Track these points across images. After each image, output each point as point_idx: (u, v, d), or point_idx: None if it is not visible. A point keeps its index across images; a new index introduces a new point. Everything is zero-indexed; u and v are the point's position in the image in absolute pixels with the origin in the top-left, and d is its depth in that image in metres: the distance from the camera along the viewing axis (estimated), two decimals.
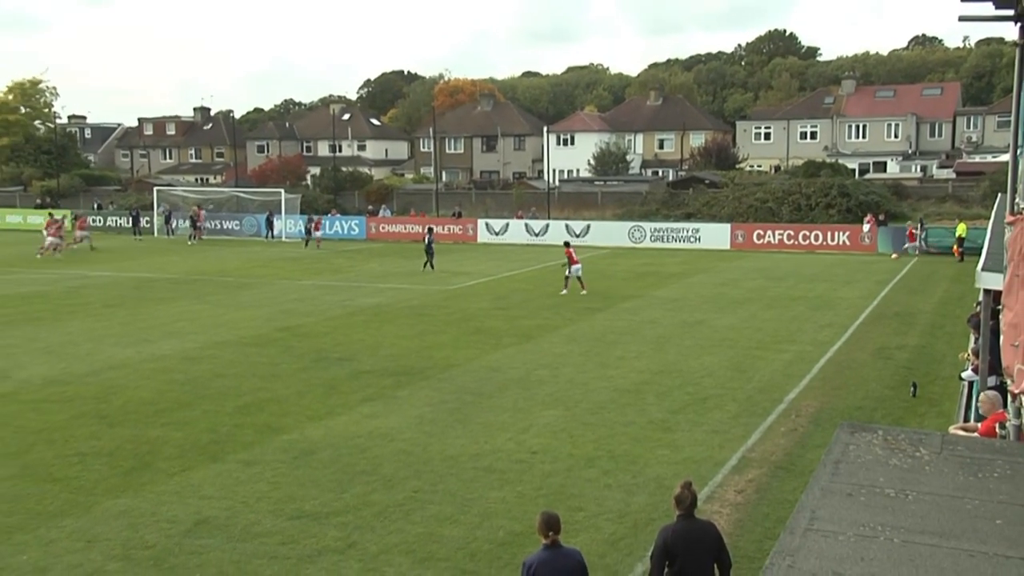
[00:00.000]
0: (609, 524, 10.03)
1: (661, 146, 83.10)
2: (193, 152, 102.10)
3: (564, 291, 27.86)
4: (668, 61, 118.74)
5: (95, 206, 61.59)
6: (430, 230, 37.05)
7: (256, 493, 10.92)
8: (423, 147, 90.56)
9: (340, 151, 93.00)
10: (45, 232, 41.67)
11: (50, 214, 51.36)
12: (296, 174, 75.88)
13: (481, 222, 49.57)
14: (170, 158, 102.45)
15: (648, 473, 11.68)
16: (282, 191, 53.79)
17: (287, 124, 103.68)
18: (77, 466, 11.89)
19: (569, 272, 27.96)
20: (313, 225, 46.87)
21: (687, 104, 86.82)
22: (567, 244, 28.89)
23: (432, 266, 34.70)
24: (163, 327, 22.57)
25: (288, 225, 51.18)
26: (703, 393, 15.93)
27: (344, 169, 70.86)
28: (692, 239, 44.86)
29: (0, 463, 11.99)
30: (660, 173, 74.02)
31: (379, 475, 11.59)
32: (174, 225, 53.24)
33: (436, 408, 14.88)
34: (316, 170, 77.04)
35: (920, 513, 4.69)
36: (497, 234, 48.23)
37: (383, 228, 50.77)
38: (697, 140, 78.45)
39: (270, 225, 51.39)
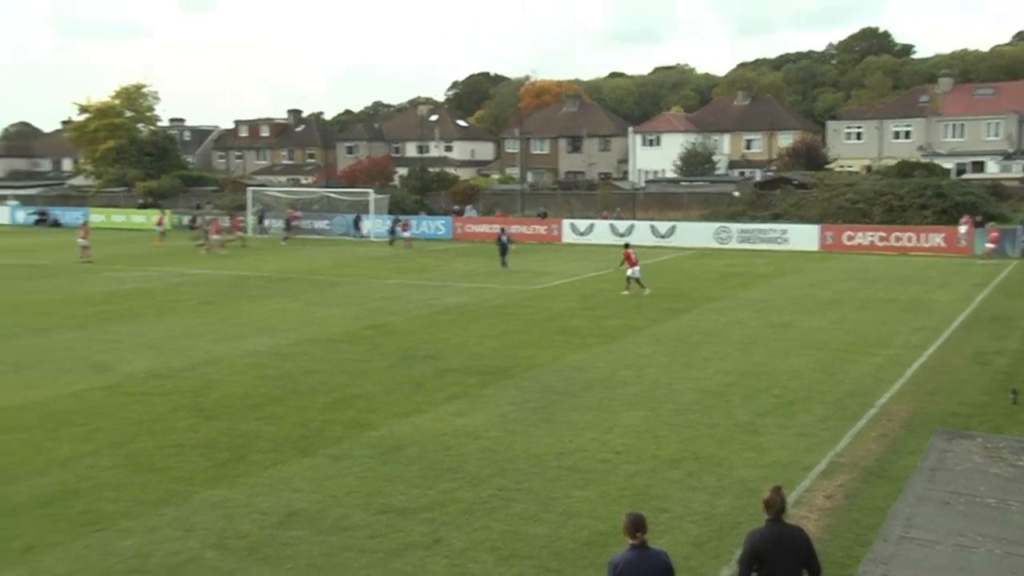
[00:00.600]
0: (694, 526, 9.90)
1: (748, 146, 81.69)
2: (286, 153, 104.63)
3: (626, 292, 27.88)
4: (757, 61, 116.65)
5: (194, 206, 63.53)
6: (502, 231, 37.48)
7: (345, 487, 11.11)
8: (509, 148, 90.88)
9: (427, 152, 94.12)
10: (207, 229, 43.94)
11: (162, 212, 53.29)
12: (384, 175, 76.96)
13: (566, 222, 49.49)
14: (264, 159, 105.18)
15: (734, 476, 11.49)
16: (371, 191, 54.66)
17: (376, 126, 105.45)
18: (176, 457, 12.28)
19: (630, 273, 28.03)
20: (401, 225, 47.50)
21: (776, 104, 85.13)
22: (626, 246, 29.05)
23: (504, 264, 35.19)
24: (257, 324, 23.15)
25: (377, 225, 51.96)
26: (790, 396, 15.59)
27: (431, 170, 71.54)
28: (780, 240, 44.07)
29: (106, 452, 12.47)
30: (747, 173, 72.77)
31: (464, 472, 11.67)
32: (267, 225, 54.62)
33: (520, 407, 14.91)
34: (404, 171, 78.02)
35: None
36: (582, 234, 48.09)
37: (469, 228, 51.12)
38: (785, 140, 76.86)
39: (357, 225, 52.28)
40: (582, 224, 49.02)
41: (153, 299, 27.75)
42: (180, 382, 16.64)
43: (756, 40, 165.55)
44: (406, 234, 46.76)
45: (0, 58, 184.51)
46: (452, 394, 15.73)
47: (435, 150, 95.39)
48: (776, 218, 48.23)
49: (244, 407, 14.89)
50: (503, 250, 35.70)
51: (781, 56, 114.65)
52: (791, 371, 17.41)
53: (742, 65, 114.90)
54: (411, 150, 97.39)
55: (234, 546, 9.38)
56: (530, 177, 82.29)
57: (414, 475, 11.55)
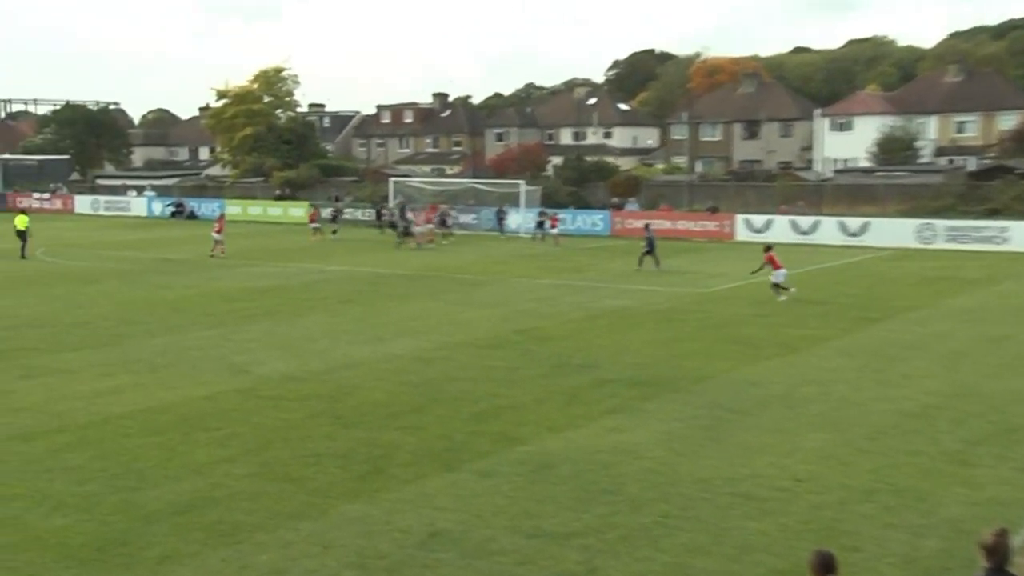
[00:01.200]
0: (892, 570, 9.52)
1: (960, 130, 77.88)
2: (430, 141, 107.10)
3: (782, 297, 27.17)
4: (973, 29, 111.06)
5: (332, 198, 65.83)
6: (646, 227, 37.25)
7: (492, 507, 11.26)
8: (675, 134, 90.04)
9: (584, 139, 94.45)
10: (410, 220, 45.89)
11: (314, 207, 55.45)
12: (536, 164, 77.69)
13: (740, 218, 48.61)
14: (407, 147, 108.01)
15: (941, 513, 10.98)
16: (521, 183, 55.22)
17: (528, 110, 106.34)
18: (313, 467, 12.76)
19: (774, 279, 27.44)
20: (549, 220, 47.78)
21: (996, 79, 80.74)
22: (768, 248, 28.42)
23: (642, 264, 35.03)
24: (397, 325, 23.80)
25: (523, 219, 52.40)
26: (1010, 422, 14.79)
27: (588, 159, 71.75)
28: (997, 240, 42.11)
29: (241, 459, 13.10)
30: (957, 161, 69.40)
31: (624, 495, 11.62)
32: (410, 218, 56.16)
33: (687, 424, 14.74)
34: (558, 160, 78.52)
35: None
36: (758, 231, 47.07)
37: (629, 223, 50.91)
38: (1007, 122, 72.80)
39: (500, 220, 52.68)
40: (758, 220, 48.01)
41: (289, 296, 28.95)
42: (317, 386, 17.29)
43: (971, 5, 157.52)
44: (554, 231, 46.93)
45: (141, 44, 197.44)
46: (610, 407, 15.71)
47: (593, 137, 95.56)
48: (993, 214, 45.86)
49: (384, 415, 15.32)
50: (650, 247, 35.27)
51: (1005, 22, 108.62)
52: (1010, 393, 16.52)
53: (955, 35, 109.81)
54: (566, 137, 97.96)
55: (374, 566, 9.65)
56: (699, 167, 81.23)
57: (567, 496, 11.59)
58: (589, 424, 14.78)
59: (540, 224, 48.12)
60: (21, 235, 41.30)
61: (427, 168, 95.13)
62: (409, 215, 47.99)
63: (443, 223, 49.73)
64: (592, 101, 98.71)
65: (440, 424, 14.81)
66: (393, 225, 48.25)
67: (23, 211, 44.81)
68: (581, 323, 24.07)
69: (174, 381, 17.66)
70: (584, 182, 64.01)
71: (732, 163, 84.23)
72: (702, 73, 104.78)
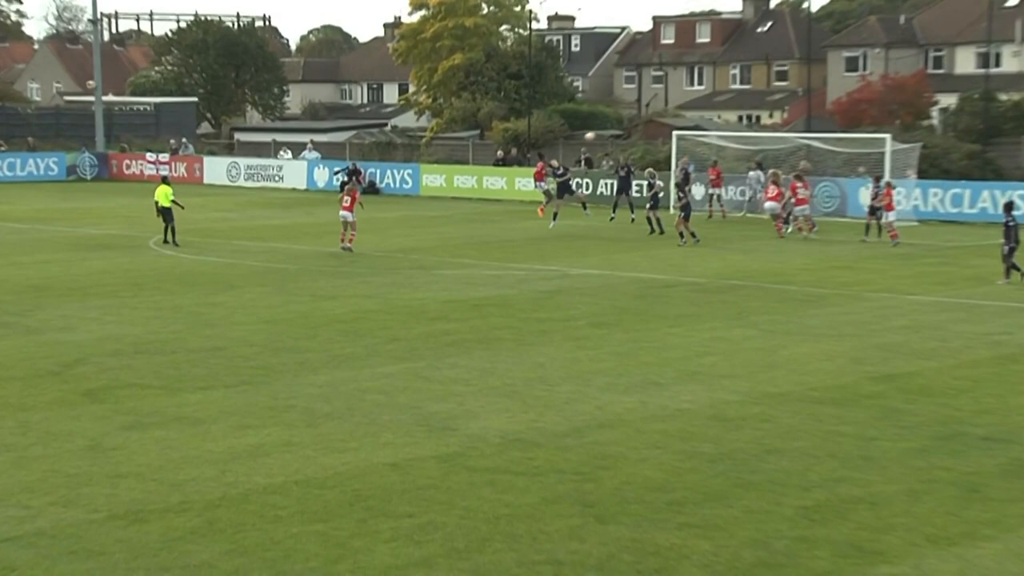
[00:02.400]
0: None
1: None
2: (737, 72, 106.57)
3: None
4: None
5: (581, 161, 66.68)
6: (1008, 206, 35.78)
7: None
8: None
9: (996, 65, 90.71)
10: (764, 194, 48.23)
11: (545, 162, 56.42)
12: (914, 106, 75.79)
13: None
14: (700, 83, 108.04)
15: None
16: (887, 138, 54.01)
17: (901, 19, 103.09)
18: None
19: None
20: (882, 197, 45.84)
21: None
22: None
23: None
24: (680, 363, 23.80)
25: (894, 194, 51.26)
26: None
27: (1003, 97, 69.18)
28: None
29: (443, 564, 13.37)
30: None
31: None
32: (697, 195, 56.10)
33: None
34: (949, 99, 76.04)
35: None
36: None
37: None
38: None
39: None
40: None
41: (516, 315, 29.53)
42: (555, 455, 17.43)
43: None
44: (891, 216, 45.37)
45: None
46: None
47: (1012, 61, 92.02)
48: None
49: (660, 505, 15.26)
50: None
51: None
52: None
53: None
54: (965, 61, 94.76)
55: None
56: None
57: None
58: (1001, 536, 14.26)
59: (873, 210, 46.41)
60: (165, 214, 44.06)
61: (732, 115, 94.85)
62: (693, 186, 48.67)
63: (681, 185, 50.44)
64: (1014, 1, 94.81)
65: (751, 522, 14.61)
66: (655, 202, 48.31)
67: (164, 180, 47.20)
68: (986, 367, 23.53)
69: (344, 440, 18.28)
70: (995, 136, 61.93)
71: None
72: None
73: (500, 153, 72.03)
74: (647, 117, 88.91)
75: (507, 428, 18.99)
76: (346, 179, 69.26)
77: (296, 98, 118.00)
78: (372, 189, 68.47)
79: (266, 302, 31.45)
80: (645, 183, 50.46)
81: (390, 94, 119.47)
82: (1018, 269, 34.47)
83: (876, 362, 23.99)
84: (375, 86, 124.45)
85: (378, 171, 70.56)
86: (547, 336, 26.79)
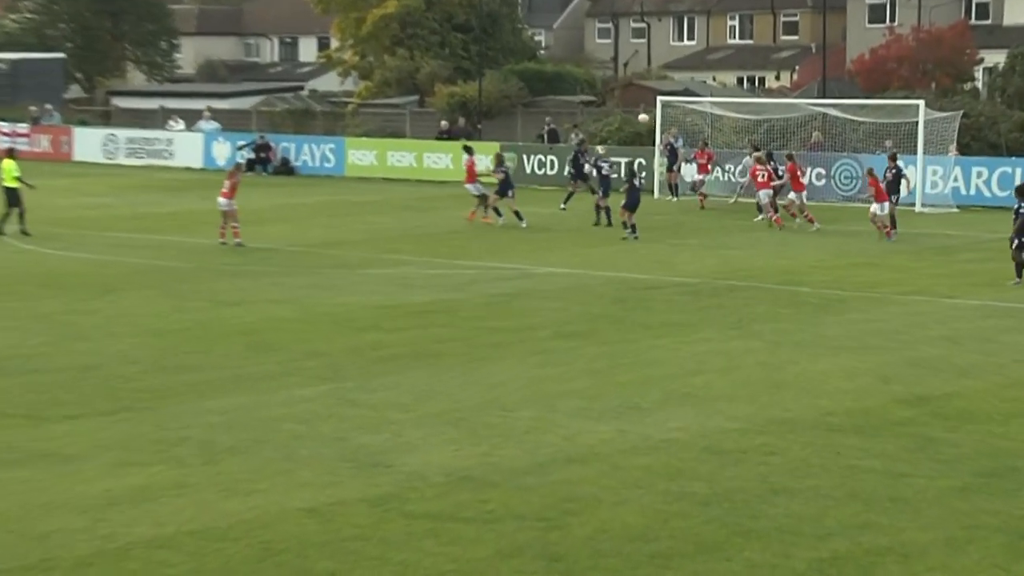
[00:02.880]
0: None
1: None
2: (736, 24, 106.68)
3: None
4: None
5: (544, 135, 66.62)
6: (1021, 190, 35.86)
7: None
8: None
9: None
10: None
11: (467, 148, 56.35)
12: (956, 67, 76.04)
13: None
14: (690, 37, 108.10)
15: None
16: (920, 105, 54.08)
17: None
18: None
19: None
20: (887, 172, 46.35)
21: None
22: None
23: None
24: (667, 382, 23.81)
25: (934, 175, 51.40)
26: None
27: None
28: None
29: None
30: None
31: None
32: (686, 174, 56.30)
33: None
34: (997, 57, 76.29)
35: None
36: None
37: None
38: None
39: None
40: None
41: (465, 323, 29.53)
42: (514, 497, 17.35)
43: None
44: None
45: None
46: None
47: None
48: None
49: (641, 558, 15.22)
50: None
51: None
52: None
53: None
54: (1016, 10, 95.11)
55: None
56: None
57: None
58: None
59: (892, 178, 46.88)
60: (10, 195, 43.75)
61: (729, 76, 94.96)
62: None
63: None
64: None
65: (758, 574, 14.66)
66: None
67: (10, 153, 46.70)
68: None
69: (251, 480, 18.14)
70: None
71: None
72: None
73: (444, 124, 71.60)
74: (625, 80, 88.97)
75: (454, 464, 18.89)
76: (252, 156, 69.34)
77: (189, 55, 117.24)
78: (285, 168, 68.35)
79: (152, 309, 31.29)
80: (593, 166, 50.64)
81: (307, 50, 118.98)
82: None
83: (907, 381, 24.00)
84: (288, 40, 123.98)
85: (293, 146, 70.40)
86: (503, 350, 26.76)
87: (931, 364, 25.45)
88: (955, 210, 50.83)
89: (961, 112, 56.36)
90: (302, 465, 18.83)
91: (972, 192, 54.00)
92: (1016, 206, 35.02)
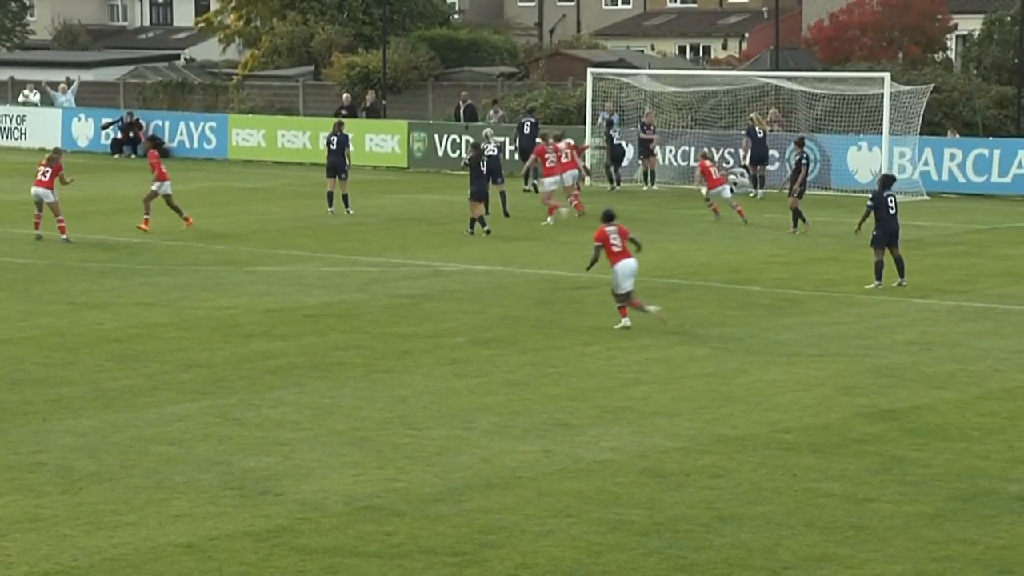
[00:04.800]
0: None
1: None
2: None
3: None
4: None
5: (460, 112, 66.58)
6: None
7: None
8: None
9: None
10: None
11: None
12: (926, 34, 76.48)
13: None
14: (626, 1, 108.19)
15: None
16: (885, 77, 54.37)
17: None
18: None
19: None
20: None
21: None
22: None
23: None
24: (600, 395, 23.93)
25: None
26: None
27: None
28: None
29: None
30: None
31: None
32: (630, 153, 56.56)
33: None
34: (972, 24, 76.92)
35: None
36: None
37: None
38: None
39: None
40: None
41: (367, 328, 29.55)
42: (424, 528, 17.35)
43: None
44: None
45: None
46: None
47: None
48: None
49: None
50: None
51: None
52: None
53: None
54: None
55: None
56: None
57: None
58: None
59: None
60: None
61: (670, 45, 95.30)
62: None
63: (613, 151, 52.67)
64: None
65: None
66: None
67: None
68: (1023, 400, 23.80)
69: (118, 511, 18.00)
70: None
71: None
72: None
73: (346, 98, 71.05)
74: (552, 49, 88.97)
75: (354, 490, 18.89)
76: (119, 135, 68.98)
77: (44, 17, 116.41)
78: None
79: (2, 314, 31.12)
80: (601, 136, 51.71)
81: (183, 14, 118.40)
82: None
83: (872, 392, 24.15)
84: (160, 2, 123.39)
85: (167, 124, 70.11)
86: (411, 359, 26.78)
87: (898, 373, 25.58)
88: (925, 198, 51.13)
89: (931, 86, 56.72)
90: (177, 493, 18.75)
91: (944, 178, 54.36)
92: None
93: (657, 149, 57.47)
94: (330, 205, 48.10)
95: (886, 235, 34.25)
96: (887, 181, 35.74)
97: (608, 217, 29.96)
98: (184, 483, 19.12)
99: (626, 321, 29.29)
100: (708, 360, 26.71)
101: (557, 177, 47.29)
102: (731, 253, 39.82)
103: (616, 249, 29.63)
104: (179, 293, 33.43)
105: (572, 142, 50.33)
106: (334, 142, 48.96)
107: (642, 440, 21.28)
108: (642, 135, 56.84)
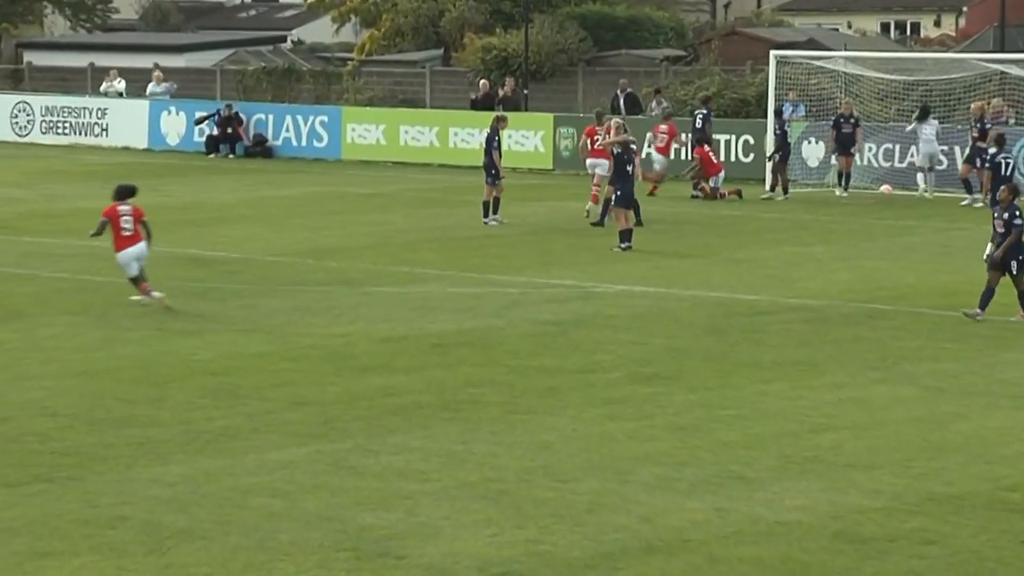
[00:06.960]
0: None
1: None
2: None
3: None
4: None
5: (619, 103, 66.53)
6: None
7: None
8: None
9: None
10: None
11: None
12: None
13: None
14: None
15: None
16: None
17: None
18: None
19: None
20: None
21: None
22: None
23: None
24: (784, 443, 23.86)
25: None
26: None
27: None
28: None
29: None
30: None
31: None
32: (811, 160, 56.45)
33: None
34: None
35: None
36: None
37: None
38: None
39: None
40: None
41: (504, 361, 29.68)
42: None
43: None
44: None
45: None
46: None
47: None
48: None
49: None
50: None
51: None
52: None
53: None
54: None
55: None
56: None
57: None
58: None
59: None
60: None
61: (870, 23, 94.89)
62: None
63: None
64: None
65: None
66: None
67: None
68: None
69: (212, 575, 18.27)
70: None
71: None
72: None
73: (484, 85, 71.26)
74: (727, 27, 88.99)
75: (489, 554, 18.91)
76: (215, 132, 69.51)
77: None
78: (261, 148, 68.48)
79: (79, 341, 31.45)
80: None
81: None
82: None
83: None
84: None
85: (271, 118, 70.53)
86: (557, 398, 26.82)
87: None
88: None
89: None
90: (281, 555, 18.85)
91: None
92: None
93: (858, 146, 56.68)
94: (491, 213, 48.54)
95: None
96: None
97: (125, 193, 31.42)
98: (289, 543, 19.21)
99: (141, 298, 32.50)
100: (916, 402, 26.51)
101: (606, 161, 47.42)
102: (943, 273, 39.56)
103: (126, 233, 30.15)
104: (284, 318, 33.66)
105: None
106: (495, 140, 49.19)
107: (835, 498, 21.13)
108: (841, 129, 56.29)
